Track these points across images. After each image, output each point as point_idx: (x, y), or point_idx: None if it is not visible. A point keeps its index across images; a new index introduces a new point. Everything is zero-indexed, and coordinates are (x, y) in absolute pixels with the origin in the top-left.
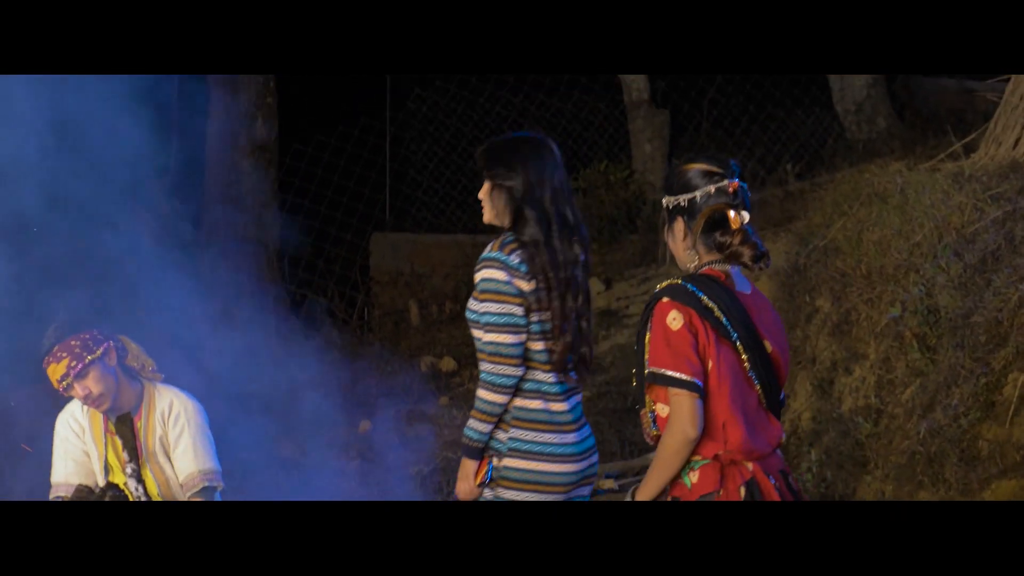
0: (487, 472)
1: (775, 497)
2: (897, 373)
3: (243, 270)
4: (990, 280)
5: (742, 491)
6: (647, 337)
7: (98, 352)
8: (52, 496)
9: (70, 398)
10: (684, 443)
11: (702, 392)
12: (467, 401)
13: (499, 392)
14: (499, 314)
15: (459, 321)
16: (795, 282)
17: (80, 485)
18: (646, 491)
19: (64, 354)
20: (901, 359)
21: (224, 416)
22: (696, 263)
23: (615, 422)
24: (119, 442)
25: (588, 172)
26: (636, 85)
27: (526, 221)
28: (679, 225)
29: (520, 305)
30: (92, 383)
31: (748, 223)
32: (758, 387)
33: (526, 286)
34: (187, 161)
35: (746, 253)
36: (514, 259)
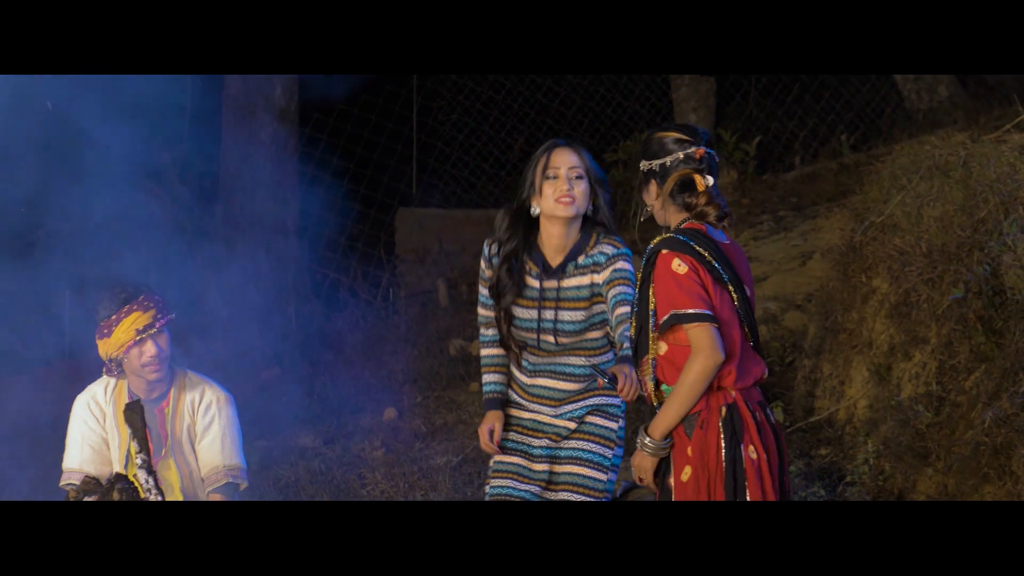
0: None
1: (751, 423)
2: (960, 358)
3: (260, 247)
4: None
5: (723, 411)
6: (650, 290)
7: (171, 316)
8: (63, 483)
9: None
10: (712, 368)
11: (718, 323)
12: None
13: None
14: None
15: None
16: (850, 261)
17: (88, 476)
18: (664, 423)
19: (151, 304)
20: (965, 343)
21: (239, 401)
22: (676, 220)
23: None
24: (127, 431)
25: (628, 144)
26: None
27: None
28: (652, 187)
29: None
30: (164, 342)
31: (713, 186)
32: (745, 326)
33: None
34: (201, 133)
35: (711, 213)
36: None
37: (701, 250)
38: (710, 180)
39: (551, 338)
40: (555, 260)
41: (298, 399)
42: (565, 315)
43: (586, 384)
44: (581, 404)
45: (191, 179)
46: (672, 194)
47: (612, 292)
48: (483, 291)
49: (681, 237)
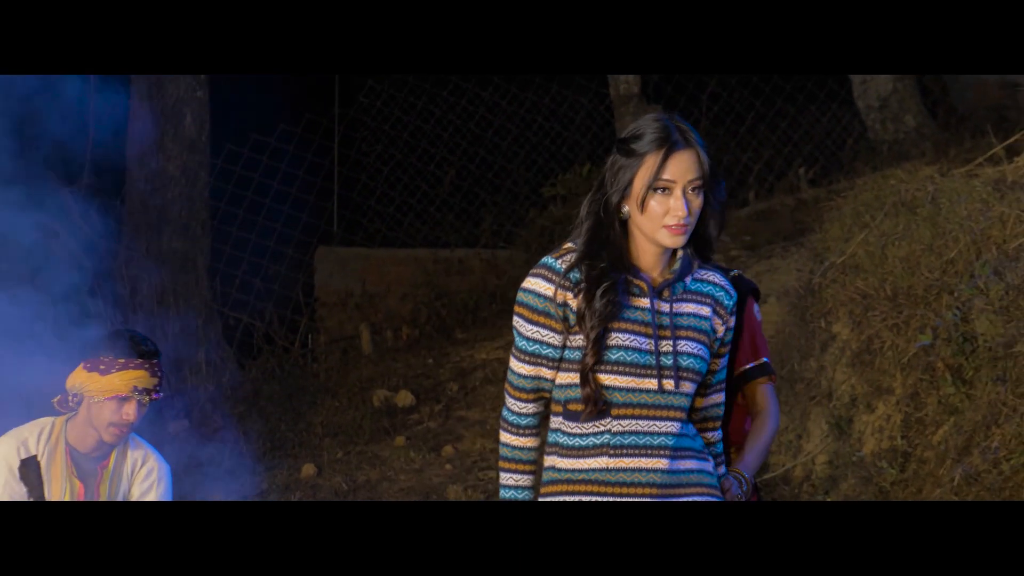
0: None
1: None
2: (927, 410)
3: (168, 290)
4: None
5: None
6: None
7: (161, 395)
8: None
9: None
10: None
11: None
12: (426, 442)
13: None
14: None
15: (417, 349)
16: (808, 304)
17: None
18: (754, 468)
19: (159, 374)
20: (932, 394)
21: None
22: None
23: None
24: (64, 485)
25: (568, 177)
26: (624, 77)
27: None
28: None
29: None
30: (141, 414)
31: None
32: None
33: None
34: (103, 165)
35: None
36: None
37: None
38: None
39: (671, 382)
40: (656, 276)
41: (208, 454)
42: (685, 346)
43: (695, 466)
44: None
45: (93, 215)
46: None
47: (720, 362)
48: (535, 331)
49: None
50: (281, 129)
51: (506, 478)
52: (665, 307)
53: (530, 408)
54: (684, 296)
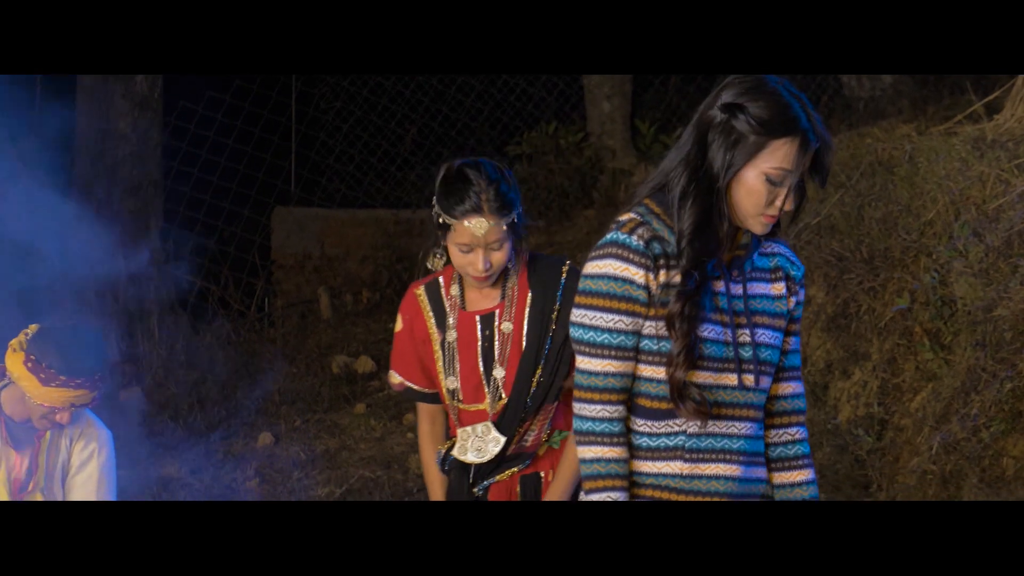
0: None
1: None
2: (905, 377)
3: (119, 251)
4: (1016, 266)
5: None
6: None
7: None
8: None
9: None
10: None
11: None
12: (387, 409)
13: None
14: None
15: (377, 314)
16: None
17: None
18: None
19: (98, 389)
20: (910, 360)
21: None
22: None
23: None
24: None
25: (534, 135)
26: None
27: None
28: None
29: None
30: (68, 419)
31: None
32: None
33: None
34: (53, 122)
35: None
36: None
37: None
38: None
39: (751, 376)
40: (725, 254)
41: (161, 422)
42: (763, 336)
43: (763, 475)
44: None
45: (41, 174)
46: None
47: (792, 342)
48: (618, 321)
49: None
50: (236, 85)
51: (613, 497)
52: (738, 290)
53: (622, 410)
54: (753, 275)
